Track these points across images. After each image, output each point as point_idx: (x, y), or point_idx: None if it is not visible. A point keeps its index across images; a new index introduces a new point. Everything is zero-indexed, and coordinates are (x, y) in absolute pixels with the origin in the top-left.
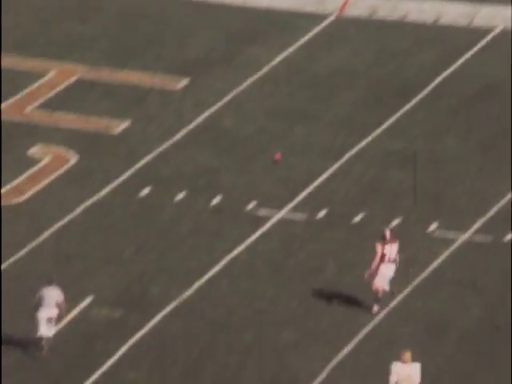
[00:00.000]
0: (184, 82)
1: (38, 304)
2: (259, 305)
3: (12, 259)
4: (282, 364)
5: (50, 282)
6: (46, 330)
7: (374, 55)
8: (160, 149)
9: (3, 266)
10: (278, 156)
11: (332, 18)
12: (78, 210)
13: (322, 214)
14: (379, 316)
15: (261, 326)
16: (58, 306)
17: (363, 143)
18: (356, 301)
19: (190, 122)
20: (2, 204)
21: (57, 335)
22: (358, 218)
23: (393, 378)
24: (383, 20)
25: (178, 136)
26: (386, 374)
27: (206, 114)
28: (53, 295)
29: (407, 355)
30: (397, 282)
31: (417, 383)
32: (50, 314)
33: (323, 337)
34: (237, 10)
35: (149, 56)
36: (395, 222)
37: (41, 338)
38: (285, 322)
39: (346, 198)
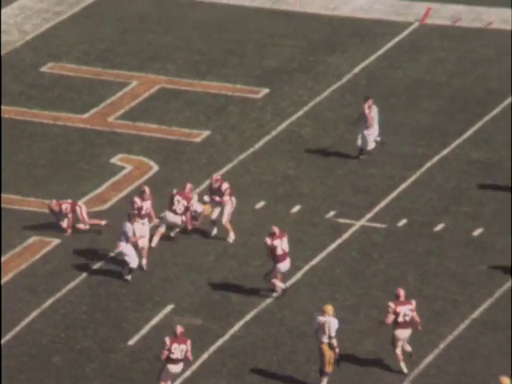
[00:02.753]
0: (264, 92)
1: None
2: (339, 313)
3: (96, 266)
4: (363, 373)
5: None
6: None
7: (456, 64)
8: (240, 158)
9: (87, 273)
10: None
11: (414, 26)
12: (159, 219)
13: (402, 222)
14: (460, 327)
15: (341, 335)
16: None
17: (445, 152)
18: (437, 311)
19: (270, 131)
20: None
21: (138, 342)
22: (439, 228)
23: (314, 325)
24: (466, 28)
25: (259, 145)
26: None
27: (286, 123)
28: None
29: (327, 307)
30: (480, 291)
31: (332, 334)
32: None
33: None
34: (317, 19)
35: (229, 66)
36: (477, 232)
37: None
38: (365, 332)
39: (427, 207)
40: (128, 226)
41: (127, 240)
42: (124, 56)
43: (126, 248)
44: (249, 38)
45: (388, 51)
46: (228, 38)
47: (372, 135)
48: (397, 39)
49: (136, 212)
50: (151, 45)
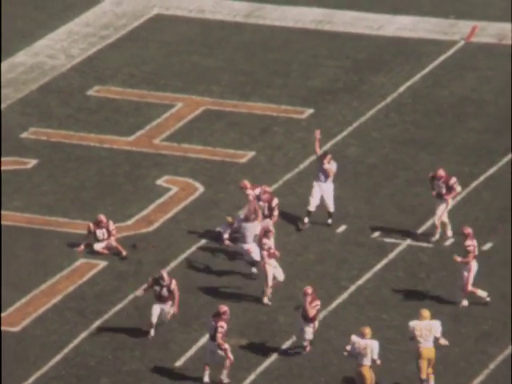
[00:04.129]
0: (309, 112)
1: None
2: (386, 333)
3: (142, 288)
4: None
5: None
6: None
7: (502, 82)
8: (285, 178)
9: (132, 295)
10: None
11: (459, 44)
12: (205, 240)
13: (449, 242)
14: (510, 347)
15: (388, 355)
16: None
17: (491, 171)
18: (486, 331)
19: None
20: (132, 233)
21: (185, 363)
22: (486, 247)
23: (353, 348)
24: None
25: (303, 165)
26: None
27: (331, 143)
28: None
29: (366, 330)
30: None
31: (375, 357)
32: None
33: (453, 367)
34: (361, 39)
35: (274, 87)
36: None
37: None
38: (412, 352)
39: (474, 227)
40: (250, 225)
41: (255, 239)
42: (169, 78)
43: (253, 247)
44: (293, 59)
45: (433, 70)
46: (272, 58)
47: (330, 189)
48: (442, 58)
49: (266, 253)
50: (196, 67)
